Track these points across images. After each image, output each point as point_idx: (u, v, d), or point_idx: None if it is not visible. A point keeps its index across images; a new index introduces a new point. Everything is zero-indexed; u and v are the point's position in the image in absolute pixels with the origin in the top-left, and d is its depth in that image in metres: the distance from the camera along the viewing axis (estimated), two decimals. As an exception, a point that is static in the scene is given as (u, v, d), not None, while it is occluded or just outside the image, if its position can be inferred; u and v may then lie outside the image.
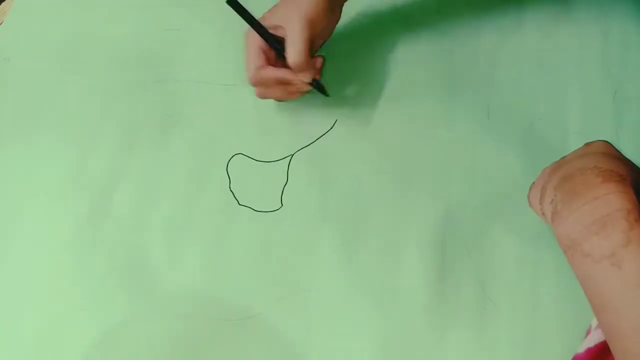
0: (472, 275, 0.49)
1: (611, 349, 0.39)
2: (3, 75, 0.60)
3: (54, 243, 0.52)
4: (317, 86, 0.54)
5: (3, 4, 0.65)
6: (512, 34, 0.60)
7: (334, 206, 0.52)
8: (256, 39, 0.52)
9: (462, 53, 0.60)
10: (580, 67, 0.58)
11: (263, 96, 0.54)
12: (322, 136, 0.56)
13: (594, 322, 0.46)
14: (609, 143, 0.46)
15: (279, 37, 0.52)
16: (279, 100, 0.56)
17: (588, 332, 0.46)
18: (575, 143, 0.54)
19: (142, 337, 0.48)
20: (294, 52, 0.50)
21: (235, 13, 0.50)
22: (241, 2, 0.50)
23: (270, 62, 0.53)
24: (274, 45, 0.52)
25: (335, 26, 0.56)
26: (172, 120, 0.57)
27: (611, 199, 0.39)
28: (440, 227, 0.51)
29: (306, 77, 0.52)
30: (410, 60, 0.59)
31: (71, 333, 0.48)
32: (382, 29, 0.61)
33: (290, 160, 0.55)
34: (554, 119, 0.56)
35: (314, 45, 0.53)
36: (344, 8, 0.56)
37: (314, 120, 0.57)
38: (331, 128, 0.56)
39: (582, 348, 0.45)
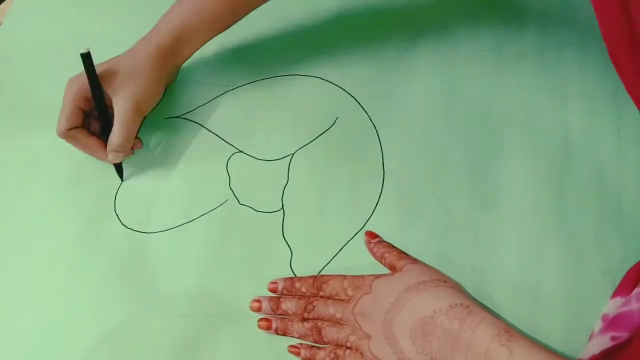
0: (473, 277, 0.49)
1: None
2: (3, 74, 0.60)
3: (54, 243, 0.51)
4: (118, 168, 0.54)
5: (3, 4, 0.65)
6: (513, 33, 0.60)
7: (334, 205, 0.52)
8: (78, 91, 0.51)
9: (462, 52, 0.59)
10: (581, 65, 0.58)
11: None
12: (322, 134, 0.56)
13: (596, 327, 0.46)
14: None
15: (109, 106, 0.52)
16: None
17: (591, 337, 0.46)
18: (576, 142, 0.54)
19: (142, 337, 0.48)
20: (121, 137, 0.51)
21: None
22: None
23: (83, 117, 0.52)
24: (102, 115, 0.52)
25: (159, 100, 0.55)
26: (172, 120, 0.57)
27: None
28: (440, 227, 0.51)
29: (116, 159, 0.52)
30: (411, 59, 0.59)
31: (72, 333, 0.48)
32: (382, 28, 0.61)
33: (290, 159, 0.55)
34: (554, 117, 0.55)
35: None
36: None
37: (313, 118, 0.57)
38: (331, 126, 0.56)
39: (585, 355, 0.44)
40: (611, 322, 0.44)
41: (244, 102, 0.58)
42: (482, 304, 0.46)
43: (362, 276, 0.47)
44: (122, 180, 0.54)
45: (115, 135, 0.51)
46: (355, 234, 0.51)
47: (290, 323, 0.47)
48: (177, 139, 0.56)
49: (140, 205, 0.53)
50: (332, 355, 0.45)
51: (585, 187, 0.52)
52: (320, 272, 0.50)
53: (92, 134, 0.53)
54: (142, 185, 0.54)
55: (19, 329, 0.48)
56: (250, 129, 0.57)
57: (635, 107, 0.55)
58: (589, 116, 0.55)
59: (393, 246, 0.50)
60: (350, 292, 0.46)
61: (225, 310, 0.48)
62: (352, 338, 0.45)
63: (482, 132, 0.55)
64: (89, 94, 0.51)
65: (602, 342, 0.43)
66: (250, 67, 0.60)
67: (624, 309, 0.44)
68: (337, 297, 0.47)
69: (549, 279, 0.48)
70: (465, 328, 0.42)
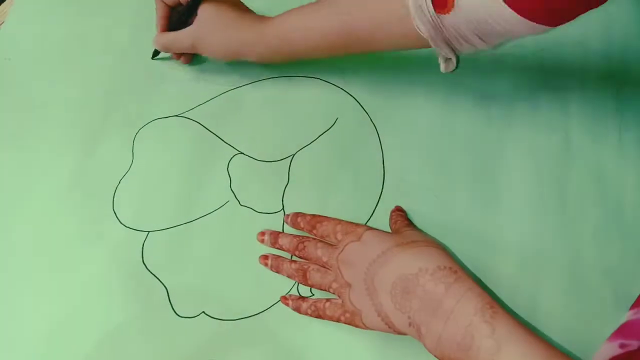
0: (472, 277, 0.48)
1: None
2: (3, 74, 0.60)
3: (53, 242, 0.51)
4: (155, 53, 0.60)
5: (3, 4, 0.65)
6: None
7: (335, 206, 0.52)
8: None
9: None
10: (582, 65, 0.58)
11: None
12: (322, 134, 0.56)
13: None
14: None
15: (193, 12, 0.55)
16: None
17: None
18: (578, 141, 0.54)
19: (142, 337, 0.47)
20: (162, 42, 0.57)
21: None
22: None
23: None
24: (183, 13, 0.56)
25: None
26: (173, 119, 0.57)
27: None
28: (440, 227, 0.51)
29: (154, 45, 0.58)
30: (411, 60, 0.59)
31: (71, 334, 0.48)
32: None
33: (291, 160, 0.55)
34: (555, 117, 0.55)
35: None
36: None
37: (314, 118, 0.57)
38: (332, 126, 0.56)
39: None
40: (621, 330, 0.44)
41: (244, 102, 0.58)
42: (470, 272, 0.46)
43: (356, 224, 0.48)
44: (152, 58, 0.60)
45: (161, 38, 0.57)
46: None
47: (282, 262, 0.49)
48: (177, 139, 0.56)
49: (140, 204, 0.53)
50: (312, 307, 0.47)
51: (585, 187, 0.52)
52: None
53: (170, 16, 0.57)
54: (141, 185, 0.54)
55: (18, 329, 0.48)
56: (250, 129, 0.57)
57: (636, 108, 0.56)
58: (589, 116, 0.55)
59: (409, 220, 0.51)
60: (339, 236, 0.47)
61: (226, 311, 0.48)
62: (334, 285, 0.46)
63: (482, 132, 0.55)
64: None
65: (610, 350, 0.43)
66: (251, 67, 0.60)
67: (636, 316, 0.44)
68: (327, 240, 0.48)
69: (548, 279, 0.48)
70: (450, 295, 0.41)
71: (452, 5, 0.42)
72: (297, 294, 0.49)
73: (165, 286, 0.50)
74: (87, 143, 0.56)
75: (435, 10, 0.43)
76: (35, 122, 0.57)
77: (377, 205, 0.52)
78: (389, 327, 0.43)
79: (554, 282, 0.48)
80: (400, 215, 0.50)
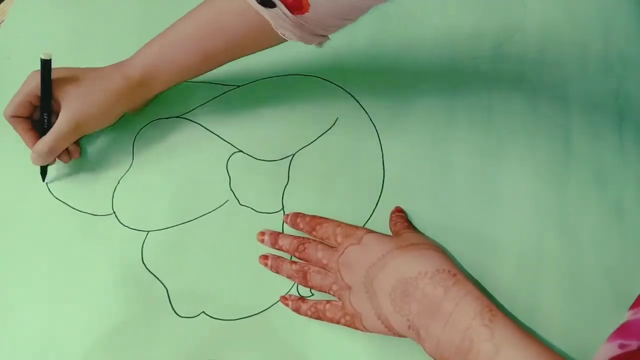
0: (472, 277, 0.48)
1: None
2: (3, 74, 0.60)
3: (54, 242, 0.51)
4: (42, 168, 0.53)
5: (3, 3, 0.65)
6: (514, 32, 0.60)
7: (334, 205, 0.52)
8: (35, 87, 0.51)
9: (464, 51, 0.59)
10: (582, 65, 0.58)
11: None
12: (322, 135, 0.56)
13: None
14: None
15: (54, 111, 0.51)
16: None
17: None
18: (578, 141, 0.54)
19: (142, 337, 0.47)
20: (47, 146, 0.50)
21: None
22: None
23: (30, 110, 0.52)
24: (44, 117, 0.51)
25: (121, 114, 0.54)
26: (172, 120, 0.57)
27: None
28: (440, 228, 0.51)
29: (36, 162, 0.51)
30: (411, 59, 0.59)
31: (71, 333, 0.48)
32: (384, 29, 0.61)
33: (291, 159, 0.55)
34: (555, 117, 0.55)
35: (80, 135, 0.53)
36: None
37: (314, 118, 0.57)
38: (332, 126, 0.56)
39: None
40: (620, 330, 0.44)
41: (244, 102, 0.58)
42: (469, 274, 0.46)
43: (355, 227, 0.48)
44: (44, 181, 0.54)
45: (43, 142, 0.50)
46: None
47: (282, 263, 0.49)
48: (177, 139, 0.56)
49: (139, 204, 0.53)
50: (312, 309, 0.47)
51: (586, 187, 0.52)
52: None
53: (34, 127, 0.52)
54: (141, 185, 0.54)
55: (17, 328, 0.48)
56: (250, 129, 0.57)
57: (636, 108, 0.56)
58: (589, 115, 0.55)
59: (409, 221, 0.51)
60: (339, 239, 0.48)
61: (226, 311, 0.48)
62: (334, 287, 0.46)
63: (482, 131, 0.55)
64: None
65: (609, 350, 0.43)
66: (250, 67, 0.60)
67: (636, 316, 0.44)
68: (327, 242, 0.49)
69: (548, 279, 0.48)
70: (449, 298, 0.41)
71: (308, 4, 0.43)
72: (297, 294, 0.49)
73: (165, 286, 0.50)
74: (86, 142, 0.56)
75: (293, 13, 0.44)
76: (35, 122, 0.57)
77: (376, 205, 0.52)
78: (389, 330, 0.44)
79: (554, 282, 0.48)
80: (400, 217, 0.50)
